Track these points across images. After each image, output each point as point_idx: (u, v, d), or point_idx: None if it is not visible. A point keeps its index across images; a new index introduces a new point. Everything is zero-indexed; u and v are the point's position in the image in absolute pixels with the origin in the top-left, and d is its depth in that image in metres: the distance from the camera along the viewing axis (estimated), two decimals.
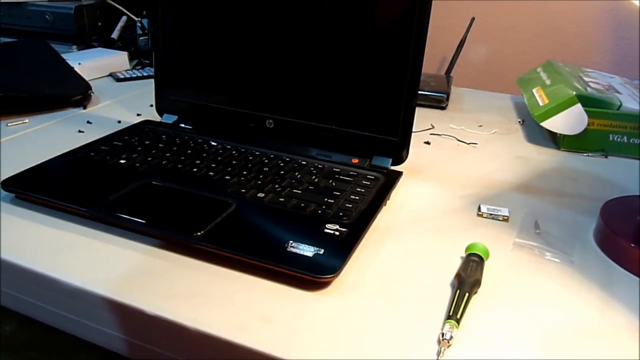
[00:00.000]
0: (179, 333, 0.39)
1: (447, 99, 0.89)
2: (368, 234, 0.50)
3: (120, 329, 0.43)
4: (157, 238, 0.48)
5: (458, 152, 0.73)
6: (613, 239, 0.50)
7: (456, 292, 0.42)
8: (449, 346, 0.37)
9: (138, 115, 0.79)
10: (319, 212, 0.51)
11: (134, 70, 1.00)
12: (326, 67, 0.62)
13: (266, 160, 0.61)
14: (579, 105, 0.72)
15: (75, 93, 0.81)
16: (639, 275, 0.47)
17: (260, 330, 0.38)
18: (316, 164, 0.61)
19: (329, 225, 0.49)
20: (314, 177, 0.58)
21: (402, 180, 0.60)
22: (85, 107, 0.81)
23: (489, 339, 0.39)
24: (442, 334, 0.38)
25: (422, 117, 0.83)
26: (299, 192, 0.54)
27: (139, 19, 1.08)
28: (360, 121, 0.62)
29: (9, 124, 0.73)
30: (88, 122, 0.75)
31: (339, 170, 0.60)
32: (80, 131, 0.72)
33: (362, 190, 0.55)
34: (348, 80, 0.61)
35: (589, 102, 0.72)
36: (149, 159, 0.60)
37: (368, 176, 0.59)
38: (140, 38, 1.08)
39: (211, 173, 0.58)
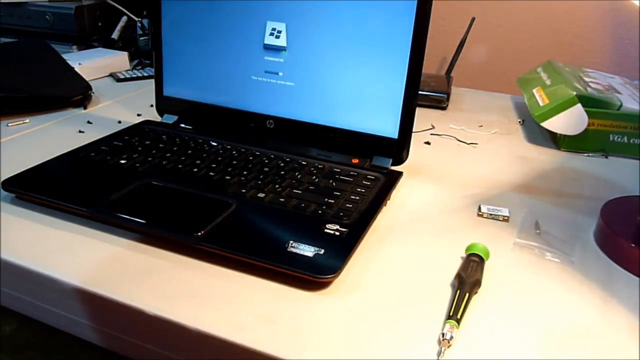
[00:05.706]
0: (179, 333, 0.39)
1: (448, 99, 0.89)
2: (368, 234, 0.50)
3: (120, 329, 0.43)
4: (157, 238, 0.48)
5: (458, 152, 0.73)
6: (613, 239, 0.49)
7: (456, 292, 0.42)
8: (449, 346, 0.37)
9: (138, 115, 0.79)
10: (319, 212, 0.51)
11: (134, 71, 1.00)
12: (327, 67, 0.62)
13: (266, 161, 0.61)
14: (579, 105, 0.72)
15: (75, 93, 0.81)
16: (639, 275, 0.47)
17: (260, 330, 0.38)
18: (316, 164, 0.61)
19: (329, 225, 0.49)
20: (314, 177, 0.58)
21: (402, 180, 0.60)
22: (85, 107, 0.81)
23: (489, 339, 0.39)
24: (443, 334, 0.38)
25: (423, 117, 0.83)
26: (299, 192, 0.54)
27: (139, 19, 1.08)
28: (360, 121, 0.62)
29: (9, 124, 0.73)
30: (88, 122, 0.75)
31: (339, 170, 0.60)
32: (80, 131, 0.72)
33: (363, 190, 0.55)
34: (348, 80, 0.61)
35: (589, 102, 0.72)
36: (149, 159, 0.60)
37: (368, 176, 0.59)
38: (141, 38, 1.08)
39: (211, 173, 0.58)
